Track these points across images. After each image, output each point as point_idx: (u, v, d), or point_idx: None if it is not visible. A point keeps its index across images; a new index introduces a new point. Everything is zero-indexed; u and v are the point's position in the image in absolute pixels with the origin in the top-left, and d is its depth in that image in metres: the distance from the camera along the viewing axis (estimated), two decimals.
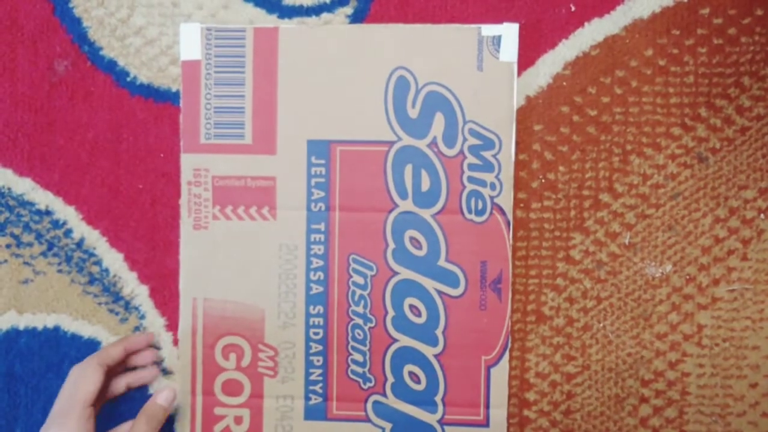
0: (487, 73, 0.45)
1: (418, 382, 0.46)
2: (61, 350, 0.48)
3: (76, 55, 0.47)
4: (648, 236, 0.46)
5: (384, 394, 0.46)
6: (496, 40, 0.45)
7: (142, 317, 0.47)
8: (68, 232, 0.48)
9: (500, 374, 0.46)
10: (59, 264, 0.48)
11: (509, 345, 0.46)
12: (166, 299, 0.47)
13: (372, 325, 0.46)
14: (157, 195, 0.47)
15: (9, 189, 0.48)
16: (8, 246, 0.48)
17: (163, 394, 0.43)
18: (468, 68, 0.45)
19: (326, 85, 0.46)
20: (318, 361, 0.46)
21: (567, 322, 0.46)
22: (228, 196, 0.46)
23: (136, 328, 0.48)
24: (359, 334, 0.46)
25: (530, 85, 0.46)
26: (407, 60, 0.45)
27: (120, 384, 0.45)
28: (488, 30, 0.45)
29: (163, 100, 0.47)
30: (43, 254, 0.48)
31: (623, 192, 0.46)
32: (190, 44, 0.46)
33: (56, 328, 0.48)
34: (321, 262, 0.46)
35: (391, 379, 0.46)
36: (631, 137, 0.46)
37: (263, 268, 0.46)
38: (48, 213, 0.48)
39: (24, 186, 0.47)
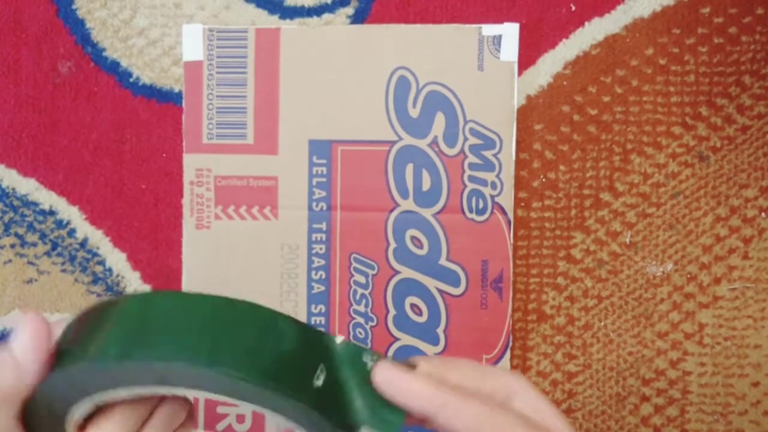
0: (488, 72, 0.45)
1: None
2: None
3: (79, 56, 0.47)
4: (649, 235, 0.46)
5: None
6: (497, 40, 0.45)
7: None
8: (72, 232, 0.48)
9: None
10: (63, 263, 0.48)
11: (510, 344, 0.46)
12: None
13: (373, 324, 0.46)
14: (159, 195, 0.47)
15: (13, 189, 0.48)
16: (12, 246, 0.48)
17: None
18: (469, 68, 0.45)
19: (327, 86, 0.46)
20: None
21: (568, 321, 0.46)
22: (230, 195, 0.46)
23: None
24: (361, 333, 0.46)
25: (531, 85, 0.46)
26: (408, 60, 0.45)
27: None
28: (489, 30, 0.45)
29: (166, 100, 0.47)
30: (47, 254, 0.48)
31: (624, 191, 0.46)
32: (193, 45, 0.46)
33: None
34: (322, 262, 0.46)
35: None
36: (632, 136, 0.46)
37: (265, 268, 0.46)
38: (52, 213, 0.48)
39: (28, 186, 0.48)
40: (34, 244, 0.48)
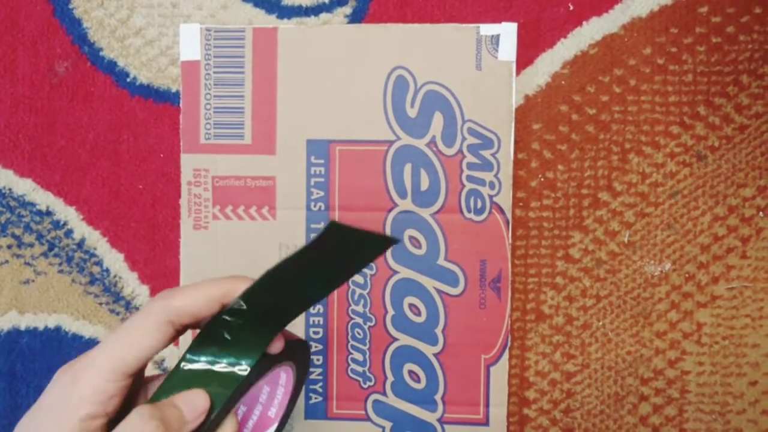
0: (486, 72, 0.45)
1: (418, 380, 0.46)
2: (62, 350, 0.48)
3: (76, 56, 0.47)
4: (647, 234, 0.46)
5: (384, 393, 0.46)
6: (495, 40, 0.45)
7: None
8: (69, 233, 0.48)
9: (500, 373, 0.46)
10: (60, 264, 0.48)
11: (509, 343, 0.46)
12: None
13: (372, 324, 0.46)
14: (157, 195, 0.47)
15: (10, 190, 0.48)
16: (9, 246, 0.48)
17: (190, 402, 0.27)
18: (467, 67, 0.45)
19: (325, 85, 0.46)
20: (318, 360, 0.46)
21: (566, 321, 0.46)
22: (228, 196, 0.46)
23: None
24: (359, 333, 0.46)
25: (529, 84, 0.46)
26: (406, 59, 0.45)
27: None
28: (487, 29, 0.45)
29: (163, 100, 0.47)
30: (44, 255, 0.48)
31: (622, 190, 0.46)
32: (190, 45, 0.46)
33: (57, 329, 0.48)
34: None
35: (391, 378, 0.46)
36: (630, 136, 0.46)
37: (263, 268, 0.46)
38: (49, 213, 0.48)
39: (25, 187, 0.48)
40: (31, 245, 0.48)
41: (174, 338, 0.27)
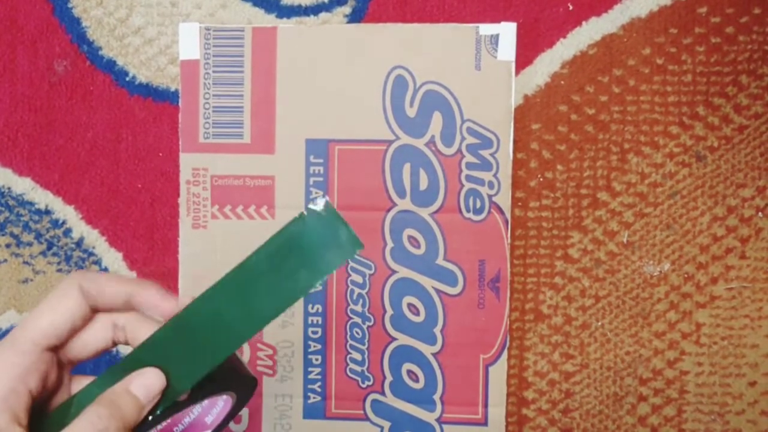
0: (485, 72, 0.45)
1: (417, 380, 0.46)
2: None
3: (75, 55, 0.47)
4: (646, 235, 0.46)
5: (382, 393, 0.46)
6: (494, 39, 0.45)
7: None
8: (68, 232, 0.48)
9: (499, 373, 0.46)
10: (59, 263, 0.48)
11: (508, 343, 0.46)
12: None
13: (370, 323, 0.46)
14: (156, 194, 0.47)
15: (9, 189, 0.48)
16: (8, 245, 0.48)
17: (139, 382, 0.26)
18: (466, 67, 0.45)
19: (324, 85, 0.46)
20: (316, 359, 0.46)
21: (565, 321, 0.46)
22: (227, 195, 0.46)
23: None
24: (358, 333, 0.46)
25: (528, 84, 0.46)
26: (405, 59, 0.45)
27: (104, 334, 0.28)
28: (486, 29, 0.45)
29: (162, 99, 0.47)
30: (43, 254, 0.48)
31: (621, 191, 0.46)
32: (189, 44, 0.46)
33: None
34: None
35: (389, 378, 0.46)
36: (629, 136, 0.46)
37: None
38: (47, 212, 0.48)
39: (24, 186, 0.48)
40: (30, 244, 0.48)
41: (85, 308, 0.27)
